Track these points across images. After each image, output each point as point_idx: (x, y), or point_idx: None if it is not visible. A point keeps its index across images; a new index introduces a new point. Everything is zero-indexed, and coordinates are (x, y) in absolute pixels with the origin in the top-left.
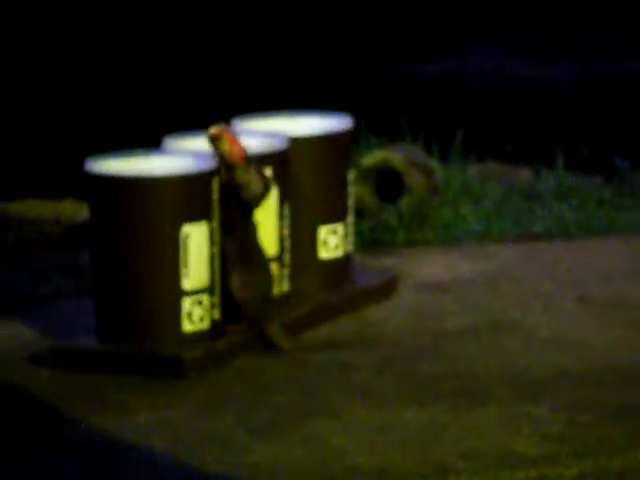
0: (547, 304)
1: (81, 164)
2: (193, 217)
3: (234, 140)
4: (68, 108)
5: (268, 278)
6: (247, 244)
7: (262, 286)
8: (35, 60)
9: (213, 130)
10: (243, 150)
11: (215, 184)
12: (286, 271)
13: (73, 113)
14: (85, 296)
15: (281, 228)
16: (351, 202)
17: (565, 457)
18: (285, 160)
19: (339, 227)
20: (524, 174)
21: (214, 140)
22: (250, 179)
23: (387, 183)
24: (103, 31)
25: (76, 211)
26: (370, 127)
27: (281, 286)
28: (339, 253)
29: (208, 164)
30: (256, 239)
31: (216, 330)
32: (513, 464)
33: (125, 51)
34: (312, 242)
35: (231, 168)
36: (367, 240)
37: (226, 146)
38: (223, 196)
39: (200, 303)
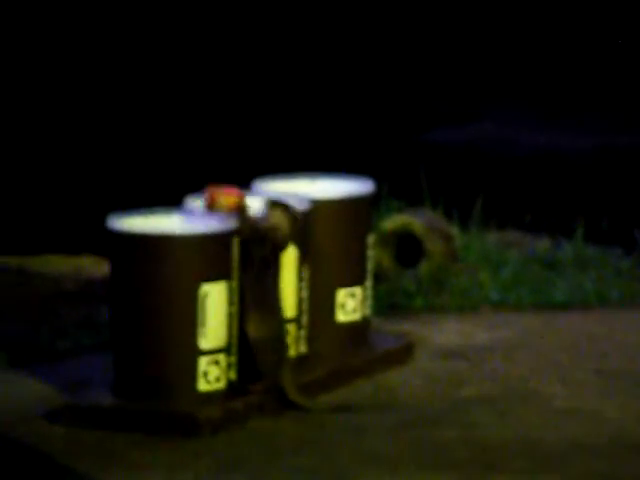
0: (564, 375)
1: (101, 220)
2: (212, 276)
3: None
4: (89, 164)
5: (283, 327)
6: (267, 292)
7: (277, 330)
8: (56, 112)
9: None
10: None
11: (235, 243)
12: (303, 333)
13: (94, 169)
14: (103, 352)
15: (300, 290)
16: (370, 266)
17: None
18: (306, 222)
19: (357, 290)
20: (543, 243)
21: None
22: (278, 220)
23: (406, 248)
24: (128, 86)
25: (95, 267)
26: (391, 192)
27: (298, 348)
28: (357, 316)
29: (228, 223)
30: (277, 287)
31: (232, 390)
32: None
33: (151, 108)
34: (330, 305)
35: (252, 219)
36: (385, 304)
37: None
38: (248, 249)
39: (217, 363)
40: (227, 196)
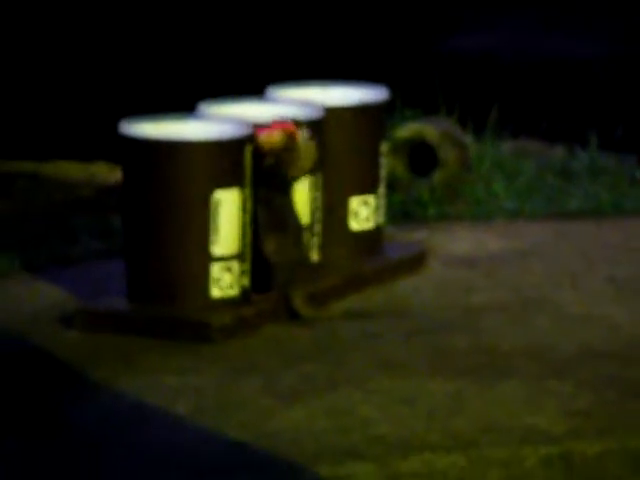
0: (577, 282)
1: (115, 127)
2: (225, 183)
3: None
4: (103, 69)
5: (302, 244)
6: (283, 211)
7: (296, 252)
8: (69, 19)
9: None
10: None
11: (248, 151)
12: (316, 240)
13: (108, 74)
14: (115, 258)
15: (313, 198)
16: (383, 174)
17: (589, 434)
18: (319, 129)
19: (371, 199)
20: (558, 152)
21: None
22: (308, 154)
23: (420, 156)
24: None
25: (108, 173)
26: (405, 100)
27: (311, 256)
28: (370, 225)
29: (242, 130)
30: (292, 206)
31: (245, 297)
32: (536, 440)
33: (163, 14)
34: (343, 213)
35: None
36: (398, 213)
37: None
38: (264, 168)
39: (229, 270)
40: (270, 136)
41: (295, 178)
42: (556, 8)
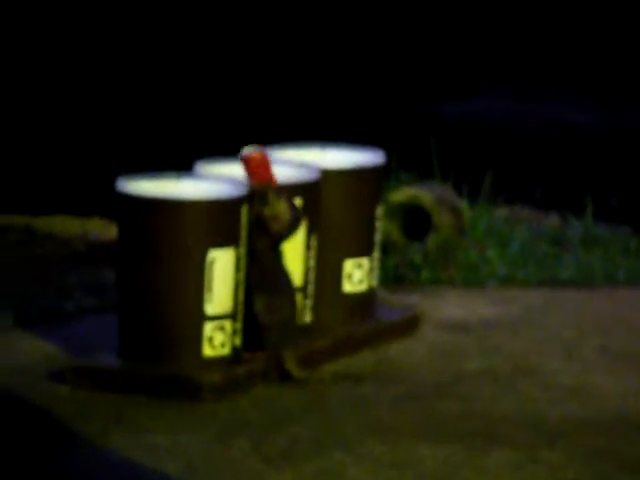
0: (568, 351)
1: (111, 183)
2: (220, 242)
3: (267, 164)
4: (102, 126)
5: (293, 305)
6: (273, 271)
7: (286, 312)
8: (69, 75)
9: (247, 152)
10: (272, 177)
11: (244, 211)
12: (309, 302)
13: (107, 131)
14: (108, 314)
15: (307, 259)
16: (378, 237)
17: None
18: (315, 191)
19: (365, 261)
20: (552, 220)
21: (246, 162)
22: (281, 211)
23: (415, 221)
24: (140, 51)
25: (103, 229)
26: (401, 164)
27: (303, 317)
28: (363, 287)
29: (238, 190)
30: (282, 266)
31: (236, 357)
32: None
33: (163, 74)
34: (337, 275)
35: (263, 198)
36: (391, 276)
37: (258, 169)
38: (252, 225)
39: (222, 329)
40: (265, 169)
41: (281, 235)
42: (554, 77)
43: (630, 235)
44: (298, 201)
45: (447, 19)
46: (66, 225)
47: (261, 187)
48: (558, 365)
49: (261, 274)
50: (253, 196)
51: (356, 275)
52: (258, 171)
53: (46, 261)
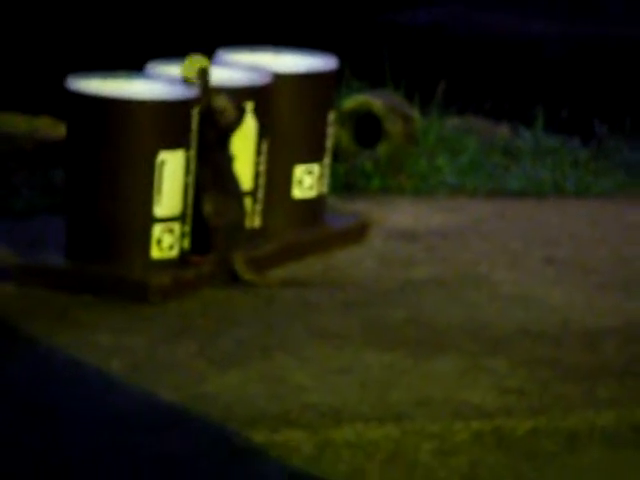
0: (514, 261)
1: (61, 81)
2: (170, 144)
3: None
4: (54, 22)
5: (241, 208)
6: (222, 172)
7: (235, 215)
8: None
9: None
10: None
11: (195, 113)
12: (259, 207)
13: (59, 28)
14: (56, 214)
15: (257, 164)
16: (329, 144)
17: (520, 412)
18: (267, 95)
19: (315, 167)
20: (503, 131)
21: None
22: (224, 105)
23: (366, 128)
24: None
25: (52, 128)
26: (353, 71)
27: (252, 222)
28: (313, 193)
29: (189, 91)
30: (232, 169)
31: (184, 259)
32: (468, 415)
33: None
34: (287, 180)
35: (208, 94)
36: (342, 183)
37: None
38: (201, 123)
39: (171, 231)
40: (193, 61)
41: (227, 129)
42: None
43: (580, 147)
44: (250, 105)
45: None
46: (15, 122)
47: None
48: (504, 275)
49: (211, 176)
50: (202, 93)
51: (306, 181)
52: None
53: None
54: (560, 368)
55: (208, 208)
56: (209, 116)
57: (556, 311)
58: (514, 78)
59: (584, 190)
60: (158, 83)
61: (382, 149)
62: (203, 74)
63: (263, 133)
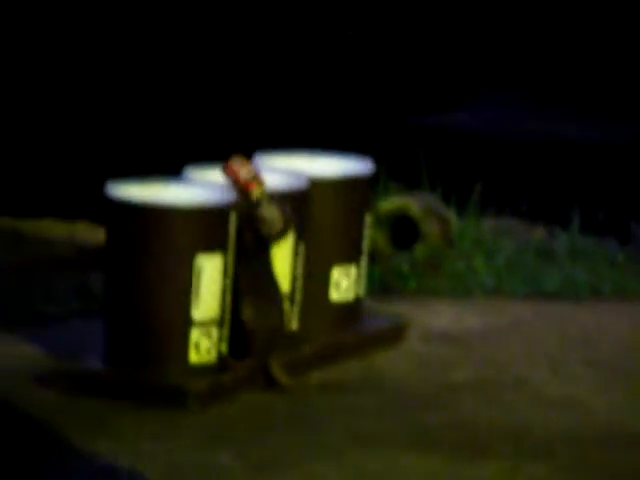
0: (554, 364)
1: (98, 187)
2: (208, 248)
3: (238, 167)
4: (92, 129)
5: (281, 312)
6: (262, 277)
7: (274, 319)
8: (60, 79)
9: (230, 164)
10: (257, 179)
11: (233, 217)
12: (296, 309)
13: (96, 134)
14: (94, 319)
15: (295, 266)
16: (366, 246)
17: None
18: (304, 199)
19: (352, 269)
20: (539, 232)
21: (229, 173)
22: (272, 215)
23: (403, 230)
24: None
25: (90, 233)
26: (390, 173)
27: (290, 324)
28: (350, 295)
29: (227, 196)
30: (271, 273)
31: (222, 363)
32: None
33: (155, 80)
34: (324, 282)
35: (254, 202)
36: (378, 285)
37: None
38: (242, 228)
39: (208, 335)
40: (245, 168)
41: (271, 240)
42: (546, 89)
43: (616, 248)
44: (289, 212)
45: (435, 31)
46: (53, 228)
47: (253, 189)
48: (544, 377)
49: (250, 279)
50: (245, 199)
51: (343, 283)
52: (239, 176)
53: (33, 265)
54: (601, 472)
55: (247, 312)
56: (252, 223)
57: (597, 415)
58: (549, 180)
59: (621, 292)
60: (196, 188)
61: (419, 251)
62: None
63: (301, 236)
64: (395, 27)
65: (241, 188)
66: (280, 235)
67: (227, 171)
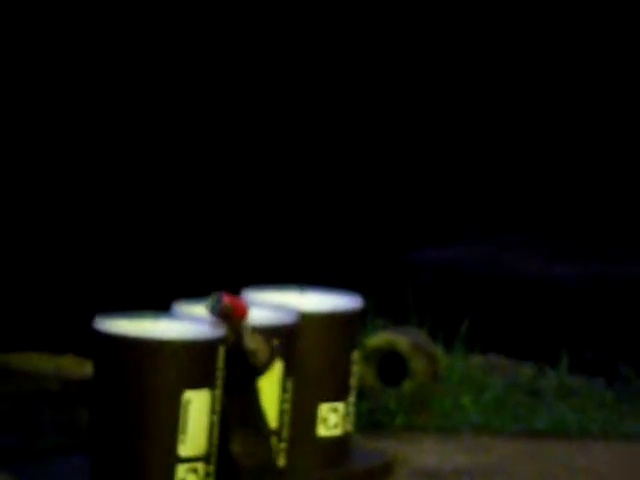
0: None
1: (85, 321)
2: (196, 384)
3: (234, 302)
4: (77, 264)
5: (269, 448)
6: (251, 412)
7: (264, 455)
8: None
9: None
10: (244, 308)
11: (221, 351)
12: (283, 445)
13: (81, 269)
14: (80, 454)
15: (282, 402)
16: (354, 382)
17: None
18: (293, 334)
19: (340, 406)
20: (527, 370)
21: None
22: (258, 346)
23: (390, 365)
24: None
25: (77, 367)
26: (377, 309)
27: (278, 461)
28: (338, 432)
29: (215, 331)
30: (260, 407)
31: None
32: None
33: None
34: (312, 419)
35: (239, 334)
36: (366, 421)
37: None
38: (229, 362)
39: (195, 471)
40: (239, 306)
41: (259, 371)
42: (531, 227)
43: (604, 388)
44: (275, 341)
45: (422, 169)
46: (40, 362)
47: (238, 322)
48: None
49: (238, 414)
50: (230, 334)
51: (331, 419)
52: (235, 310)
53: (19, 398)
54: None
55: (237, 448)
56: (238, 355)
57: None
58: (537, 317)
59: (610, 432)
60: (184, 323)
61: (406, 387)
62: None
63: (288, 371)
64: (382, 164)
65: (236, 319)
66: (267, 366)
67: (223, 304)
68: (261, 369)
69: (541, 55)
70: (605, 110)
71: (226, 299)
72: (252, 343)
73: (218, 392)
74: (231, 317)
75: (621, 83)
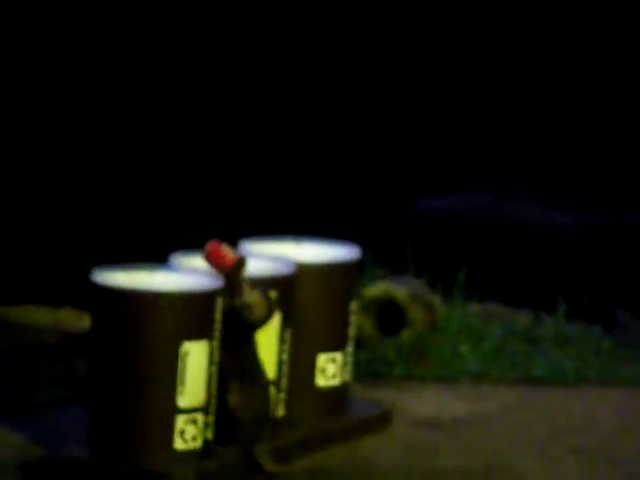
0: (540, 450)
1: (82, 273)
2: (194, 335)
3: (226, 252)
4: (75, 216)
5: (267, 399)
6: (248, 364)
7: (261, 406)
8: (42, 164)
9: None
10: (235, 259)
11: (219, 303)
12: (282, 396)
13: (79, 221)
14: (80, 406)
15: (281, 352)
16: (352, 332)
17: None
18: (290, 285)
19: (338, 356)
20: (524, 318)
21: (210, 257)
22: (255, 301)
23: (389, 315)
24: (113, 143)
25: (75, 320)
26: (375, 259)
27: (276, 411)
28: (336, 382)
29: (213, 282)
30: (257, 359)
31: (208, 450)
32: None
33: (139, 167)
34: (310, 369)
35: (232, 287)
36: (365, 371)
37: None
38: (226, 315)
39: (194, 422)
40: (229, 254)
41: (255, 325)
42: (531, 176)
43: (602, 335)
44: (272, 294)
45: (424, 118)
46: (38, 315)
47: (234, 277)
48: (530, 464)
49: (236, 365)
50: (227, 288)
51: (329, 369)
52: (218, 261)
53: (17, 351)
54: None
55: (234, 399)
56: (237, 309)
57: None
58: (535, 266)
59: (607, 378)
60: (181, 274)
61: (405, 336)
62: (238, 267)
63: (286, 322)
64: (388, 111)
65: (227, 271)
66: (264, 321)
67: (213, 255)
68: (258, 323)
69: (539, 9)
70: (601, 56)
71: (210, 247)
72: (250, 297)
73: (216, 343)
74: (217, 267)
75: (621, 30)
